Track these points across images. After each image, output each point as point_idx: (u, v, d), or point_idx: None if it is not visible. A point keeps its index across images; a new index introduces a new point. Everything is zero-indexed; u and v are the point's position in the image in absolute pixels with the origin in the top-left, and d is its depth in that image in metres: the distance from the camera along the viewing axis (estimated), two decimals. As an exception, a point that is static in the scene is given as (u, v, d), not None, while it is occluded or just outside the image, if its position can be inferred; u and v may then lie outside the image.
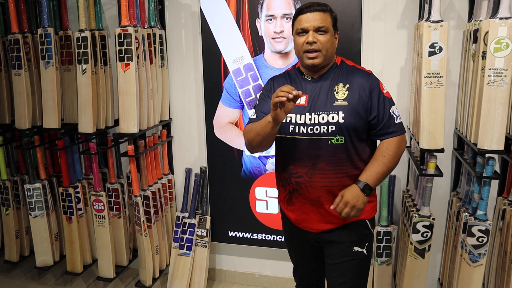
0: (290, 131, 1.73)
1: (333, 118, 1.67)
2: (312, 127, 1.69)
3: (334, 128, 1.67)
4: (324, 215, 1.78)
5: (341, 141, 1.69)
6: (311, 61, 1.69)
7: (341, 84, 1.72)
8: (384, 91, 1.74)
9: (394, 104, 1.75)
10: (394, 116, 1.73)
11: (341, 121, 1.67)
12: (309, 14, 1.67)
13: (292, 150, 1.75)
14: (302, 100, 1.73)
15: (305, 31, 1.68)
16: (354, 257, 1.81)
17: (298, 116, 1.71)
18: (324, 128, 1.68)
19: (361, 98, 1.69)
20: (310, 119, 1.70)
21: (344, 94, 1.70)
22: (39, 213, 2.87)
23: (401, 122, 1.76)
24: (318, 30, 1.67)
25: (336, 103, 1.69)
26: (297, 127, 1.72)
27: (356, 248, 1.81)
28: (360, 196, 1.64)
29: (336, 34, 1.75)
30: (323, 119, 1.68)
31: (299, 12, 1.70)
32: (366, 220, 1.82)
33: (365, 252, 1.82)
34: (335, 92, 1.71)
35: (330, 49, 1.71)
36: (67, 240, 2.91)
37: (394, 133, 1.72)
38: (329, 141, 1.68)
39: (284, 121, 1.72)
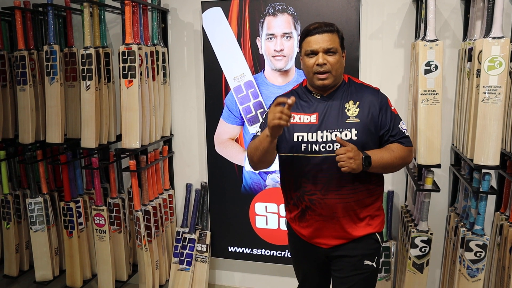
0: (303, 149, 1.73)
1: (346, 136, 1.69)
2: (324, 145, 1.70)
3: None
4: (337, 231, 1.79)
5: None
6: (322, 82, 1.71)
7: (351, 102, 1.75)
8: (392, 108, 1.78)
9: (402, 120, 1.79)
10: (403, 130, 1.76)
11: (354, 138, 1.69)
12: (317, 36, 1.68)
13: (304, 168, 1.75)
14: (312, 118, 1.74)
15: (314, 53, 1.70)
16: (365, 271, 1.81)
17: (310, 134, 1.73)
18: (337, 145, 1.68)
19: (371, 114, 1.72)
20: (322, 137, 1.71)
21: (355, 111, 1.72)
22: (40, 228, 2.88)
23: (409, 136, 1.79)
24: (327, 51, 1.69)
25: (348, 121, 1.71)
26: (309, 145, 1.72)
27: (366, 262, 1.81)
28: (360, 158, 1.61)
29: (343, 53, 1.77)
30: (335, 136, 1.69)
31: (307, 33, 1.71)
32: (376, 234, 1.83)
33: (374, 265, 1.83)
34: (346, 110, 1.73)
35: (339, 69, 1.73)
36: (67, 254, 2.91)
37: (405, 143, 1.75)
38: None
39: (295, 139, 1.74)
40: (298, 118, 1.76)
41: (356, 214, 1.77)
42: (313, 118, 1.74)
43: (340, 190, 1.72)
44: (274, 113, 1.53)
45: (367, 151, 1.67)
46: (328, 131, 1.71)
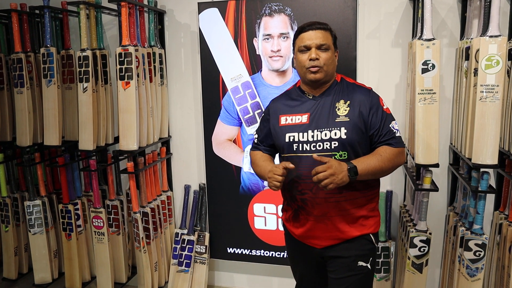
0: (294, 149, 1.75)
1: (335, 134, 1.70)
2: (315, 144, 1.71)
3: (337, 144, 1.69)
4: (330, 230, 1.78)
5: (344, 156, 1.70)
6: (314, 76, 1.72)
7: (342, 101, 1.75)
8: (384, 107, 1.77)
9: (394, 120, 1.78)
10: (394, 130, 1.75)
11: (344, 136, 1.69)
12: (311, 32, 1.72)
13: (296, 168, 1.75)
14: (304, 118, 1.76)
15: (307, 48, 1.72)
16: (359, 272, 1.81)
17: (301, 134, 1.74)
18: (327, 144, 1.70)
19: (361, 114, 1.72)
20: (312, 136, 1.72)
21: (346, 110, 1.73)
22: (39, 230, 2.88)
23: (401, 136, 1.78)
24: (320, 47, 1.71)
25: (338, 120, 1.72)
26: (300, 145, 1.74)
27: (360, 263, 1.81)
28: (344, 172, 1.59)
29: (336, 52, 1.79)
30: (325, 135, 1.70)
31: (300, 30, 1.75)
32: (371, 235, 1.82)
33: (369, 267, 1.83)
34: (336, 109, 1.74)
35: (331, 65, 1.75)
36: (66, 257, 2.91)
37: (394, 145, 1.73)
38: (333, 157, 1.69)
39: (287, 140, 1.76)
40: (290, 119, 1.78)
41: (349, 214, 1.76)
42: (304, 118, 1.76)
43: (332, 189, 1.72)
44: (274, 173, 1.68)
45: (353, 160, 1.66)
46: (319, 130, 1.72)
